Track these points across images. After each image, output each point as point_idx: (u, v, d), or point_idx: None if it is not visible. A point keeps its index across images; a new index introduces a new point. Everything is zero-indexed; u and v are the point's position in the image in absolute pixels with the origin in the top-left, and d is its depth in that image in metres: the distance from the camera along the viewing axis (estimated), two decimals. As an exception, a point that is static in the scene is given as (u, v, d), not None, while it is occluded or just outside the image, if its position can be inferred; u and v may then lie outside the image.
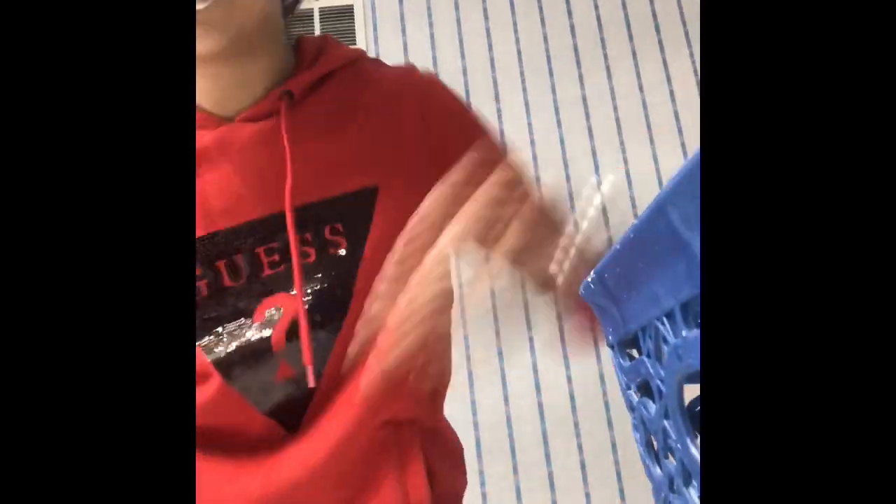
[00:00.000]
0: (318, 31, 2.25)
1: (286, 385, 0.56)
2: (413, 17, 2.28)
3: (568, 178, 2.11)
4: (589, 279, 0.28)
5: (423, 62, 2.23)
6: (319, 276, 0.55)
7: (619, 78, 2.20)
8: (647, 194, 2.06)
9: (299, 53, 0.63)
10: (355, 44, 2.23)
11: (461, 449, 0.71)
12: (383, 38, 2.26)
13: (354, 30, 2.25)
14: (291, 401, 0.56)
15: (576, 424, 1.89)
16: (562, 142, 2.15)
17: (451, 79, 2.21)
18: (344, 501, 0.56)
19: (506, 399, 1.90)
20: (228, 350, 0.55)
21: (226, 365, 0.55)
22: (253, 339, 0.55)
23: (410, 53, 2.24)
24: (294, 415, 0.56)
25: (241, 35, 0.53)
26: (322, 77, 0.59)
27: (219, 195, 0.55)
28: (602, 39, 2.25)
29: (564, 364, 1.94)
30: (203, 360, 0.55)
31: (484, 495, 1.82)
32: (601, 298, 0.27)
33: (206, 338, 0.55)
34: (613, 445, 1.88)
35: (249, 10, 0.53)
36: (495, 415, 1.89)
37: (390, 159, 0.58)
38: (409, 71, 0.64)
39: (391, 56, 2.23)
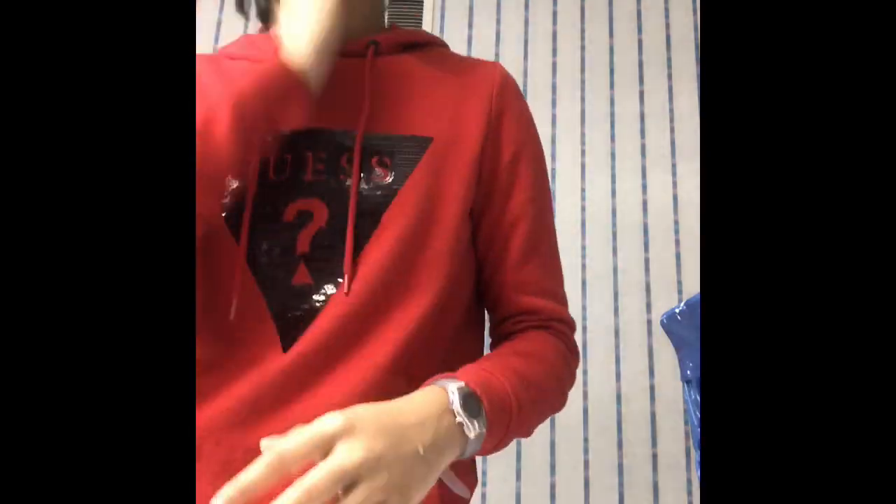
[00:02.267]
0: (384, 14, 2.25)
1: (300, 290, 0.58)
2: (482, 12, 2.28)
3: (614, 194, 2.09)
4: (677, 310, 0.27)
5: (486, 58, 2.22)
6: (353, 194, 0.60)
7: (680, 99, 2.17)
8: (693, 217, 2.03)
9: (394, 28, 0.73)
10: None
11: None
12: (449, 29, 2.26)
13: (421, 16, 2.25)
14: (299, 312, 0.58)
15: (585, 440, 1.88)
16: (613, 156, 2.13)
17: (511, 78, 2.21)
18: None
19: (519, 404, 1.90)
20: (257, 242, 0.58)
21: (252, 256, 0.58)
22: (280, 235, 0.58)
23: (474, 47, 2.24)
24: (295, 330, 0.57)
25: None
26: (410, 44, 0.69)
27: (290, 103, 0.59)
28: (668, 59, 2.22)
29: (582, 380, 1.93)
30: (234, 246, 0.58)
31: (484, 495, 1.82)
32: (687, 332, 0.27)
33: (240, 228, 0.58)
34: (620, 467, 1.86)
35: None
36: (506, 418, 1.88)
37: (452, 122, 0.64)
38: (497, 64, 0.71)
39: (455, 48, 2.23)
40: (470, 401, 0.52)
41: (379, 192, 0.59)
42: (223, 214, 0.59)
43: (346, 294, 0.56)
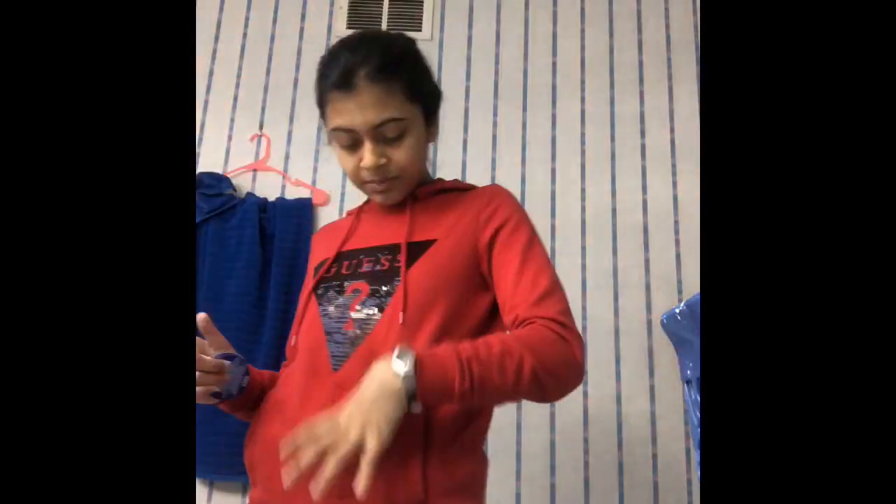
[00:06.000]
0: (385, 14, 2.25)
1: (347, 335, 0.93)
2: (482, 12, 2.28)
3: (614, 194, 2.09)
4: (677, 310, 0.27)
5: (486, 58, 2.22)
6: (385, 278, 0.96)
7: (680, 100, 2.17)
8: (693, 217, 2.04)
9: (438, 180, 1.11)
10: (420, 32, 2.23)
11: None
12: (449, 29, 2.26)
13: (422, 17, 2.25)
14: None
15: (585, 440, 1.88)
16: (613, 156, 2.13)
17: (512, 78, 2.21)
18: None
19: (518, 404, 1.90)
20: (328, 308, 0.97)
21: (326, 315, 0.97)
22: (340, 303, 0.96)
23: (474, 48, 2.24)
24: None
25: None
26: (441, 190, 1.07)
27: (361, 231, 1.06)
28: (669, 59, 2.22)
29: (582, 380, 1.92)
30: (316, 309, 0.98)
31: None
32: (687, 332, 0.27)
33: (321, 294, 1.00)
34: (620, 467, 1.86)
35: (412, 180, 1.03)
36: (506, 418, 1.88)
37: (453, 228, 0.99)
38: (494, 185, 1.07)
39: (455, 49, 2.23)
40: (402, 351, 0.76)
41: (395, 274, 0.95)
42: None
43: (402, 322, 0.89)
